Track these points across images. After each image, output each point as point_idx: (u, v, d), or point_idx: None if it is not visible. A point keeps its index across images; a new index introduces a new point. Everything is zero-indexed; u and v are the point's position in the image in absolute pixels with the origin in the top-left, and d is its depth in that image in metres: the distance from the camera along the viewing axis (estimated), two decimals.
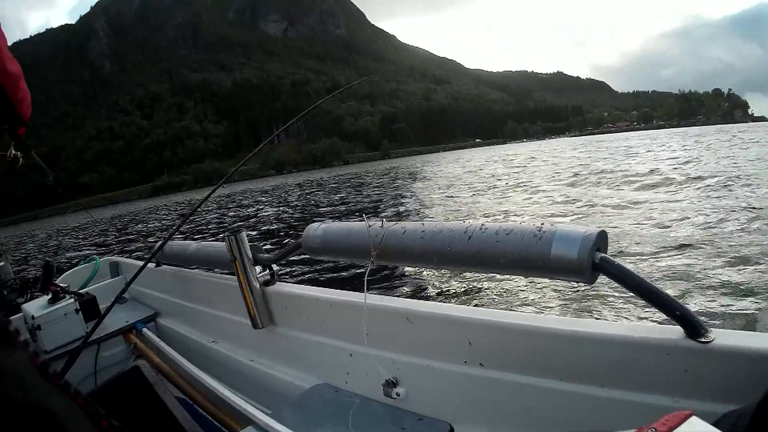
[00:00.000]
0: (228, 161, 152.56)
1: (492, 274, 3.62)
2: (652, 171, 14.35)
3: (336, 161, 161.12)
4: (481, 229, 0.97)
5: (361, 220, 1.23)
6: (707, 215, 7.13)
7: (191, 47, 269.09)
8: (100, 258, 2.95)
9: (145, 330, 2.26)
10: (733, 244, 5.36)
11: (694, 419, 0.45)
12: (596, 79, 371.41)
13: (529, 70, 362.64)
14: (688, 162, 16.26)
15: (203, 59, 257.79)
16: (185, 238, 3.79)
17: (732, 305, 3.69)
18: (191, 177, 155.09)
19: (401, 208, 13.11)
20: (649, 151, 25.75)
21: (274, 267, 1.67)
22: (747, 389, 0.71)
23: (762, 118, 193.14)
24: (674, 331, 0.81)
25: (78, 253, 14.10)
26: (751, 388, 0.70)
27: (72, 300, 2.13)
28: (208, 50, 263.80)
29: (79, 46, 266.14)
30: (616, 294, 4.04)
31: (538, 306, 4.21)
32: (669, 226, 6.66)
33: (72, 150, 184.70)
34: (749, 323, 3.38)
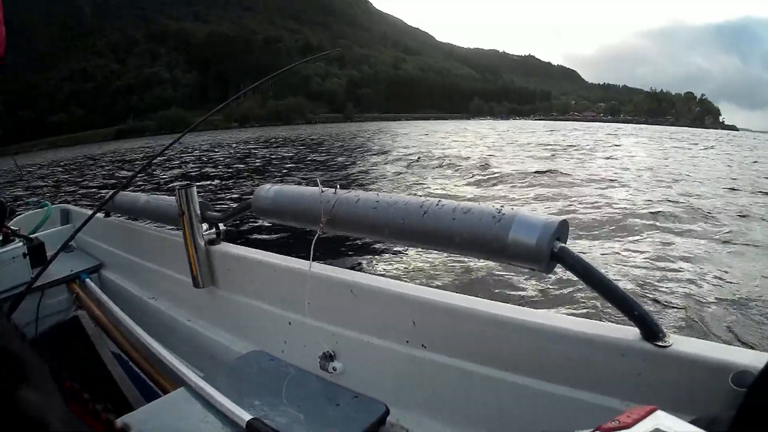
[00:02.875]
0: (194, 111, 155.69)
1: (446, 254, 4.24)
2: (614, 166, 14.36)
3: (299, 120, 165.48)
4: (437, 205, 0.94)
5: (315, 185, 1.19)
6: (677, 216, 7.13)
7: None
8: (52, 204, 2.94)
9: (88, 281, 2.22)
10: (702, 247, 5.36)
11: (659, 412, 0.44)
12: (568, 67, 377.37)
13: (501, 50, 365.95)
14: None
15: (182, 8, 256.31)
16: (139, 190, 3.97)
17: (693, 312, 3.63)
18: (155, 123, 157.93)
19: (355, 176, 13.01)
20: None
21: (221, 226, 1.62)
22: (701, 399, 0.70)
23: (732, 127, 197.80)
24: (630, 332, 0.79)
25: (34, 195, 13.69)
26: (705, 398, 0.69)
27: (21, 244, 2.08)
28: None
29: None
30: (574, 287, 3.94)
31: (490, 292, 4.09)
32: (636, 225, 6.51)
33: (45, 90, 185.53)
34: (707, 332, 3.35)
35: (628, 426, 0.42)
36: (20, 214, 2.84)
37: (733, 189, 10.44)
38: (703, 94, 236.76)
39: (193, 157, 23.83)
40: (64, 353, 1.88)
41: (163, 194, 2.05)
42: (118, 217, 2.33)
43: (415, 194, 7.56)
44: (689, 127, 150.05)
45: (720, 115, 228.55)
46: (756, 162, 19.13)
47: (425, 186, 11.12)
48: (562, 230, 0.81)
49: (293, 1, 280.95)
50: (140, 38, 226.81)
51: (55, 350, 1.91)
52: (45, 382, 0.30)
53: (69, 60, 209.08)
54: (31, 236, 2.28)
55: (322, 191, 1.15)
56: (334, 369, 1.22)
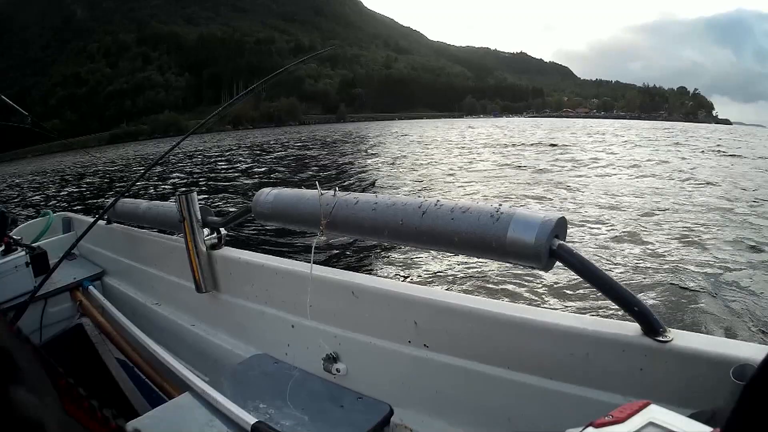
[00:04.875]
0: (187, 114, 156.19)
1: (445, 254, 4.26)
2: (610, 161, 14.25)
3: (292, 121, 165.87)
4: (436, 205, 0.94)
5: (314, 188, 1.19)
6: (677, 212, 7.01)
7: None
8: (54, 213, 2.96)
9: (91, 288, 2.23)
10: (701, 243, 5.27)
11: (652, 406, 0.44)
12: (560, 63, 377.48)
13: (492, 47, 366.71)
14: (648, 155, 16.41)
15: (173, 11, 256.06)
16: (138, 196, 3.88)
17: (693, 306, 3.62)
18: (148, 128, 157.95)
19: (353, 178, 12.90)
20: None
21: (222, 231, 1.63)
22: (702, 394, 0.69)
23: (726, 121, 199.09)
24: (631, 328, 0.80)
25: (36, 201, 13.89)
26: (706, 393, 0.69)
27: (23, 253, 2.08)
28: (179, 2, 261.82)
29: None
30: (575, 285, 3.91)
31: (491, 291, 4.07)
32: (634, 220, 6.45)
33: (37, 95, 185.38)
34: (708, 325, 3.33)
35: (621, 420, 0.43)
36: (22, 224, 2.89)
37: (732, 183, 10.35)
38: (696, 89, 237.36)
39: (189, 161, 23.85)
40: (69, 361, 1.89)
41: (164, 200, 2.06)
42: (120, 223, 2.34)
43: (413, 194, 7.78)
44: (683, 121, 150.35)
45: (713, 108, 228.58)
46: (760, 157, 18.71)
47: (423, 184, 11.23)
48: (560, 227, 0.81)
49: (284, 2, 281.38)
50: (132, 42, 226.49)
51: (60, 358, 1.89)
52: (41, 381, 0.30)
53: (62, 65, 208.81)
54: (33, 245, 2.29)
55: (321, 194, 1.16)
56: (338, 371, 1.23)
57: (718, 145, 24.60)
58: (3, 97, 1.82)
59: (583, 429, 0.43)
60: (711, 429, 0.40)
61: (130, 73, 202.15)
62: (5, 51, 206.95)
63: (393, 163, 16.40)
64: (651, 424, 0.42)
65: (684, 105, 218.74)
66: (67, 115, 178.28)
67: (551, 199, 8.56)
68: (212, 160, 24.22)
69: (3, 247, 2.10)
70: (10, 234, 2.26)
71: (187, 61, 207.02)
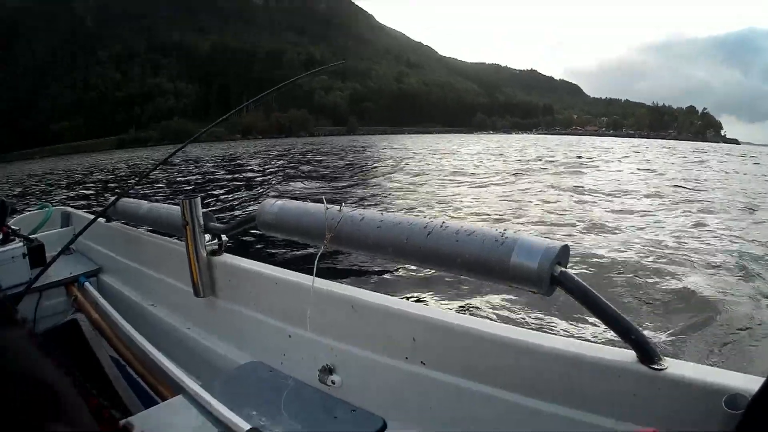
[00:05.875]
0: (196, 123, 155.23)
1: (448, 275, 4.17)
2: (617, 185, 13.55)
3: (302, 132, 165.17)
4: (441, 226, 0.95)
5: (320, 202, 1.20)
6: (675, 236, 7.03)
7: (173, 6, 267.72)
8: (53, 206, 2.94)
9: (87, 284, 2.22)
10: (700, 272, 5.32)
11: None
12: (570, 81, 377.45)
13: (503, 64, 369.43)
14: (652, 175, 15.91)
15: (183, 20, 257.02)
16: (141, 197, 3.99)
17: (689, 335, 3.69)
18: (158, 134, 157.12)
19: (359, 189, 12.91)
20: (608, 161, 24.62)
21: (224, 237, 1.63)
22: (694, 421, 0.72)
23: (734, 141, 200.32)
24: (627, 355, 0.81)
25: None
26: (698, 420, 0.71)
27: (21, 244, 2.07)
28: (190, 11, 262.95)
29: None
30: (574, 309, 3.96)
31: (490, 312, 4.18)
32: (632, 246, 6.51)
33: (46, 100, 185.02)
34: (702, 354, 3.38)
35: None
36: (21, 213, 2.85)
37: (743, 208, 9.80)
38: (704, 108, 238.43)
39: (195, 168, 23.45)
40: (62, 356, 1.89)
41: (166, 203, 2.05)
42: (119, 222, 2.31)
43: (418, 214, 7.52)
44: (691, 140, 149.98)
45: (722, 128, 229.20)
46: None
47: (426, 199, 10.95)
48: (563, 255, 0.83)
49: (295, 15, 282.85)
50: (142, 49, 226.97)
51: (53, 353, 1.83)
52: (79, 413, 0.30)
53: (71, 69, 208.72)
54: (31, 237, 2.27)
55: (327, 208, 1.16)
56: (333, 382, 1.23)
57: (727, 164, 25.02)
58: None
59: None
60: None
61: (140, 80, 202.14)
62: (13, 58, 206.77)
63: (399, 177, 15.97)
64: None
65: (693, 124, 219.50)
66: (75, 120, 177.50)
67: (558, 220, 8.43)
68: (218, 167, 24.14)
69: (1, 236, 2.11)
70: (9, 224, 2.28)
71: (197, 71, 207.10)
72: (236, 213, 9.14)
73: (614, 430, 0.73)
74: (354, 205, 0.99)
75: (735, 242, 6.68)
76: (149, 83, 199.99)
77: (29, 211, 2.99)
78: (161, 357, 1.44)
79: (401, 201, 10.70)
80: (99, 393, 1.19)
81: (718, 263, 5.59)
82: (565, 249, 0.83)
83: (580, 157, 26.18)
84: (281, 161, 26.47)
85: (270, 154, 35.21)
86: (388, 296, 1.23)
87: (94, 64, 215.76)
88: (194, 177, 18.27)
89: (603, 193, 11.58)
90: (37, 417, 0.27)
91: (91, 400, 0.32)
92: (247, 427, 1.02)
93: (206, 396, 1.14)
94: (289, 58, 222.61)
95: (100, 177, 22.33)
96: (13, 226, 2.24)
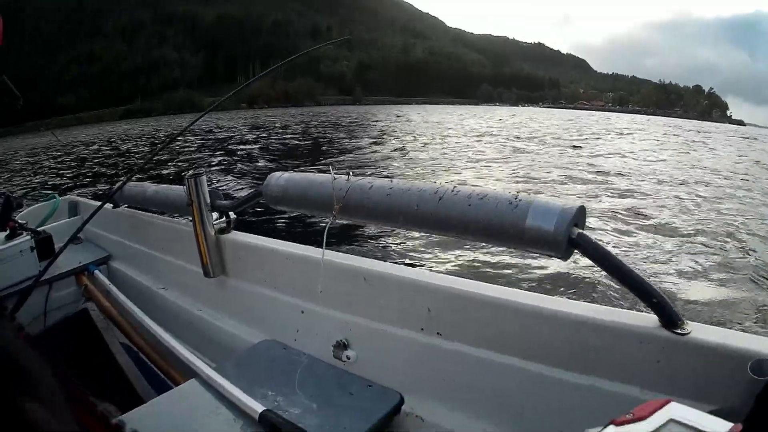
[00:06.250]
0: (201, 93, 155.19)
1: (461, 241, 4.05)
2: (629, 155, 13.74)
3: (308, 101, 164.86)
4: (452, 191, 0.92)
5: (327, 172, 1.17)
6: (700, 204, 6.98)
7: None
8: (60, 197, 2.91)
9: (97, 272, 2.22)
10: (721, 236, 5.22)
11: (673, 404, 0.44)
12: (577, 55, 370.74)
13: (510, 37, 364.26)
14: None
15: None
16: (146, 178, 3.79)
17: (712, 299, 3.58)
18: (162, 105, 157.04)
19: (367, 159, 12.76)
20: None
21: (232, 215, 1.61)
22: (721, 389, 0.69)
23: (740, 122, 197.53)
24: (649, 320, 0.78)
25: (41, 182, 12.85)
26: (725, 388, 0.69)
27: (28, 237, 2.06)
28: None
29: None
30: (592, 274, 3.89)
31: (506, 279, 4.04)
32: (651, 211, 6.40)
33: (51, 73, 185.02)
34: (726, 319, 3.29)
35: (643, 418, 0.42)
36: (27, 207, 2.79)
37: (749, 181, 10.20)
38: (711, 88, 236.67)
39: (200, 142, 22.67)
40: (73, 346, 1.87)
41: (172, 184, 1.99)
42: (127, 207, 2.29)
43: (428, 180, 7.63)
44: (697, 119, 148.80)
45: (728, 109, 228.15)
46: None
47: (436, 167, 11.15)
48: (579, 216, 0.79)
49: None
50: (147, 20, 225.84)
51: (64, 343, 1.87)
52: (53, 395, 0.30)
53: (76, 43, 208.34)
54: (38, 229, 2.21)
55: (335, 178, 1.13)
56: (348, 357, 1.20)
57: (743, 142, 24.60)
58: (5, 78, 1.73)
59: (604, 428, 0.43)
60: (732, 425, 0.40)
61: (146, 51, 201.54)
62: (18, 32, 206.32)
63: (406, 147, 16.11)
64: (672, 421, 0.42)
65: (699, 103, 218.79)
66: (80, 93, 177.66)
67: (570, 188, 8.45)
68: (224, 140, 23.12)
69: (8, 231, 2.06)
70: (15, 218, 2.21)
71: (203, 41, 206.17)
72: (245, 188, 8.87)
73: (639, 398, 0.69)
74: (362, 175, 1.16)
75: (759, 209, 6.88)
76: (154, 54, 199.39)
77: (35, 203, 2.94)
78: (173, 341, 1.43)
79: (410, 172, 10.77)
80: (109, 383, 1.51)
81: (743, 230, 5.61)
82: (582, 210, 0.80)
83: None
84: (287, 133, 25.68)
85: (275, 125, 33.97)
86: (401, 266, 1.20)
87: (100, 37, 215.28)
88: (199, 153, 17.47)
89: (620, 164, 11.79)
90: (9, 392, 0.27)
91: (94, 409, 0.31)
92: (261, 408, 1.01)
93: (219, 379, 1.13)
94: (295, 28, 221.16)
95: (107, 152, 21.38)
96: (20, 220, 2.19)
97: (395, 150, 15.65)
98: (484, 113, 63.71)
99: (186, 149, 18.57)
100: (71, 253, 2.24)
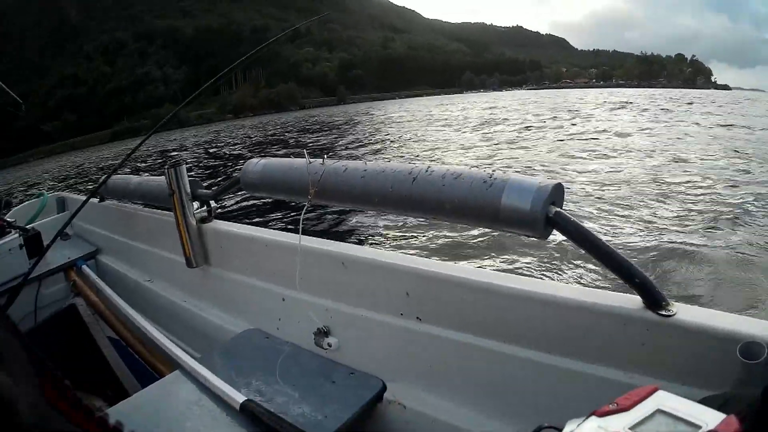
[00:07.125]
0: (186, 106, 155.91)
1: (438, 222, 4.19)
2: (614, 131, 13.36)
3: (293, 106, 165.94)
4: (426, 171, 0.91)
5: (302, 157, 1.17)
6: (682, 179, 6.67)
7: None
8: (47, 194, 2.90)
9: (85, 267, 2.20)
10: (704, 215, 4.97)
11: (660, 392, 0.42)
12: (556, 35, 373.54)
13: (488, 22, 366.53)
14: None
15: (168, 5, 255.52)
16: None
17: (698, 280, 3.49)
18: (150, 122, 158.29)
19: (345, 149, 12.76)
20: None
21: (213, 204, 1.61)
22: (708, 371, 0.67)
23: (725, 87, 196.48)
24: (633, 301, 0.76)
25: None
26: (711, 370, 0.67)
27: (17, 235, 2.05)
28: None
29: None
30: (572, 255, 3.78)
31: (485, 261, 3.95)
32: (636, 187, 6.17)
33: (36, 98, 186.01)
34: (714, 300, 3.18)
35: (626, 408, 0.40)
36: (15, 206, 2.83)
37: (739, 149, 9.58)
38: (693, 55, 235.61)
39: (186, 151, 22.91)
40: (62, 342, 1.88)
41: (154, 175, 2.03)
42: (113, 201, 2.30)
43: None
44: (681, 88, 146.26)
45: (712, 74, 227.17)
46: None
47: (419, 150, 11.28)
48: (557, 194, 0.77)
49: None
50: (128, 39, 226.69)
51: (54, 340, 1.89)
52: (21, 367, 0.30)
53: (59, 66, 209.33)
54: (27, 227, 2.23)
55: (310, 162, 1.13)
56: (329, 345, 1.20)
57: (723, 110, 23.23)
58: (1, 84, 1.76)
59: (585, 419, 0.41)
60: (724, 415, 0.37)
61: (129, 70, 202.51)
62: (1, 54, 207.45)
63: (389, 139, 16.42)
64: (659, 411, 0.40)
65: (682, 72, 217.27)
66: (67, 117, 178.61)
67: (548, 166, 8.29)
68: (207, 145, 23.78)
69: None
70: (4, 217, 2.23)
71: (184, 55, 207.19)
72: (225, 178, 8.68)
73: (623, 382, 0.69)
74: (337, 158, 1.19)
75: (748, 182, 6.38)
76: (138, 72, 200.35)
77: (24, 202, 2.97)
78: (157, 333, 1.43)
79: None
80: (97, 377, 1.69)
81: (727, 205, 5.29)
82: (559, 188, 0.78)
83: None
84: (270, 135, 26.03)
85: (259, 128, 34.14)
86: (379, 250, 1.19)
87: (82, 59, 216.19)
88: (185, 155, 17.96)
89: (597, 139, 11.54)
90: None
91: (66, 393, 0.32)
92: (242, 399, 1.01)
93: (202, 370, 1.14)
94: (274, 33, 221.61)
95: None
96: (8, 219, 2.22)
97: (377, 145, 15.95)
98: (462, 100, 64.12)
99: (172, 155, 19.41)
100: (60, 249, 2.29)
